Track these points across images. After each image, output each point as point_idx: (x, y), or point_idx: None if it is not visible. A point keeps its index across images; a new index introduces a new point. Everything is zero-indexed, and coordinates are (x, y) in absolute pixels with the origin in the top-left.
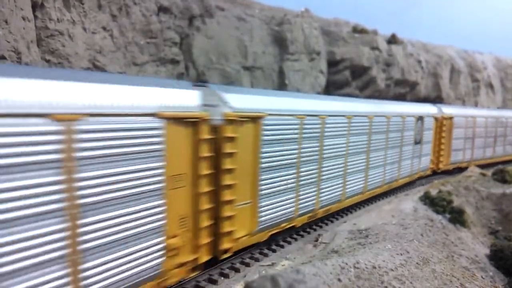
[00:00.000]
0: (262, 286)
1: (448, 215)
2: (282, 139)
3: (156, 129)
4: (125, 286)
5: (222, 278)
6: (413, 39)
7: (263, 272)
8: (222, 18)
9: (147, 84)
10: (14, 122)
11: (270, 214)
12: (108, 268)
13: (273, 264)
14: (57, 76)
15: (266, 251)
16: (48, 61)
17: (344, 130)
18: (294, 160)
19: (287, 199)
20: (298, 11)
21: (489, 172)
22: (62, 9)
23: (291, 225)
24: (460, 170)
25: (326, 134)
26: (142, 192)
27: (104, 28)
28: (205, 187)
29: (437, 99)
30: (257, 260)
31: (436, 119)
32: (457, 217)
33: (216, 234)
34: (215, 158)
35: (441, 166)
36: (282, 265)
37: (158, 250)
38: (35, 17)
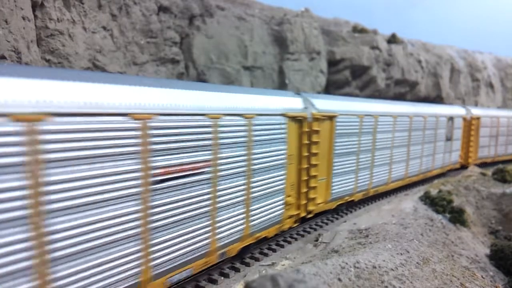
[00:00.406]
0: (262, 286)
1: (448, 215)
2: (348, 133)
3: (284, 124)
4: (268, 224)
5: (222, 277)
6: (413, 38)
7: (263, 271)
8: (222, 17)
9: (275, 94)
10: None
11: (339, 189)
12: (263, 211)
13: (273, 264)
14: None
15: (266, 250)
16: (48, 60)
17: (391, 127)
18: (355, 150)
19: (350, 179)
20: (298, 10)
21: (489, 171)
22: (62, 9)
23: (351, 199)
24: (485, 164)
25: (378, 130)
26: (276, 165)
27: (104, 28)
28: (304, 165)
29: (437, 99)
30: (257, 259)
31: (464, 119)
32: (457, 217)
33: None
34: (308, 145)
35: (470, 161)
36: (282, 265)
37: (281, 204)
38: (35, 16)
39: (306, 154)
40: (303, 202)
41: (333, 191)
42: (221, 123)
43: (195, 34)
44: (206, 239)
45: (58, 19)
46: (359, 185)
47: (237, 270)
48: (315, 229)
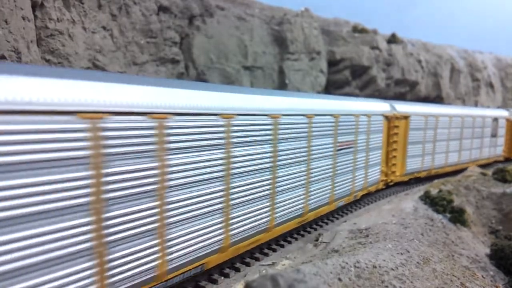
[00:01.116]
0: (262, 286)
1: (448, 215)
2: (417, 128)
3: (381, 121)
4: (373, 183)
5: (223, 277)
6: (413, 38)
7: (264, 271)
8: (222, 17)
9: (376, 101)
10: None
11: (410, 167)
12: (373, 174)
13: (273, 264)
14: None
15: (266, 250)
16: (48, 60)
17: (447, 125)
18: (421, 140)
19: (418, 160)
20: (298, 10)
21: (489, 171)
22: (62, 9)
23: (418, 176)
24: None
25: (438, 126)
26: (378, 146)
27: (104, 28)
28: (390, 148)
29: (437, 99)
30: (257, 259)
31: (507, 120)
32: (458, 217)
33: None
34: (392, 135)
35: None
36: (283, 265)
37: (379, 171)
38: (35, 16)
39: (391, 141)
40: (390, 171)
41: (407, 168)
42: (350, 120)
43: (195, 34)
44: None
45: (58, 19)
46: (424, 166)
47: (237, 270)
48: (315, 229)
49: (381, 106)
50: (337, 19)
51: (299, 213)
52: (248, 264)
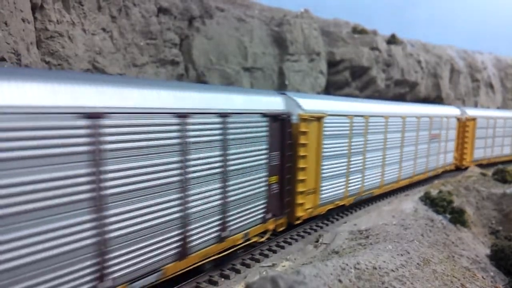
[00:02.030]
0: (263, 287)
1: (448, 215)
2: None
3: (455, 121)
4: (448, 164)
5: (223, 279)
6: (412, 39)
7: (264, 273)
8: (221, 19)
9: (449, 107)
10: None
11: (477, 156)
12: (448, 159)
13: (273, 265)
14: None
15: (266, 252)
16: (47, 62)
17: (485, 126)
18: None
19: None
20: (297, 11)
21: (489, 171)
22: (61, 11)
23: (482, 162)
24: None
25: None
26: (451, 139)
27: (103, 30)
28: (460, 141)
29: (437, 99)
30: (257, 261)
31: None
32: (458, 217)
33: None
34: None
35: None
36: (283, 266)
37: (453, 156)
38: (35, 18)
39: (462, 136)
40: (461, 158)
41: (475, 157)
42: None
43: (195, 35)
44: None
45: (57, 21)
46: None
47: (237, 271)
48: (315, 230)
49: (454, 111)
50: (337, 20)
51: (409, 176)
52: (248, 266)
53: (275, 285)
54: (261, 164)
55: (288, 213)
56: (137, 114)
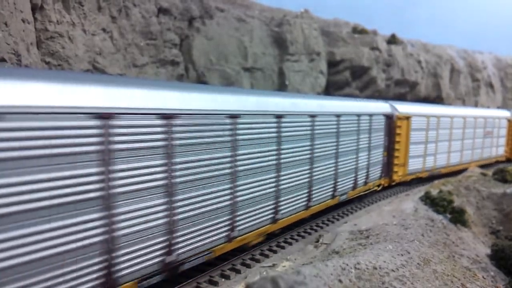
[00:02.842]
0: None
1: (448, 215)
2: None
3: (505, 122)
4: (500, 156)
5: (223, 279)
6: (413, 39)
7: (264, 273)
8: (222, 19)
9: (501, 110)
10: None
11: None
12: (500, 151)
13: (274, 265)
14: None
15: (267, 252)
16: (48, 63)
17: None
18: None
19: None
20: (297, 11)
21: (490, 171)
22: (61, 11)
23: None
24: None
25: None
26: (502, 135)
27: (104, 30)
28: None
29: (437, 99)
30: (257, 261)
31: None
32: (458, 217)
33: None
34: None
35: None
36: (283, 266)
37: (504, 150)
38: (35, 19)
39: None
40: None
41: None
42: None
43: (195, 35)
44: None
45: (57, 21)
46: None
47: (237, 271)
48: (315, 230)
49: (505, 113)
50: (337, 20)
51: (467, 161)
52: (248, 266)
53: (275, 285)
54: (380, 144)
55: (390, 176)
56: (201, 115)
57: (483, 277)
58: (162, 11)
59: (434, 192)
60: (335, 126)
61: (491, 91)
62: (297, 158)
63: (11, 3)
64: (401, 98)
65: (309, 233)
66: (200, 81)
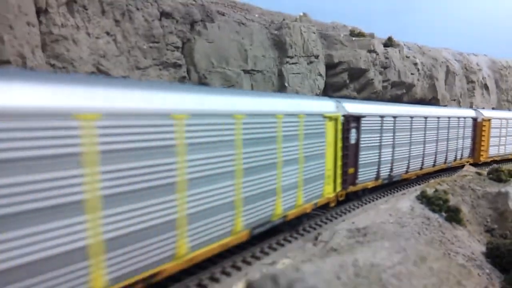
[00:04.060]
0: (263, 285)
1: (444, 214)
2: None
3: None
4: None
5: (224, 276)
6: (409, 42)
7: (264, 270)
8: (222, 22)
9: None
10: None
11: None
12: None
13: (273, 263)
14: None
15: (266, 249)
16: (53, 65)
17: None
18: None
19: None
20: (296, 15)
21: (485, 171)
22: (66, 15)
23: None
24: None
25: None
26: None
27: (107, 33)
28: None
29: (432, 100)
30: (258, 258)
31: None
32: (453, 216)
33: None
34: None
35: None
36: (283, 263)
37: None
38: (40, 22)
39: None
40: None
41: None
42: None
43: (197, 38)
44: None
45: (62, 24)
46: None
47: (238, 268)
48: (314, 228)
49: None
50: (335, 23)
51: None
52: (249, 263)
53: (275, 282)
54: (469, 136)
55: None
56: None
57: (478, 274)
58: (164, 14)
59: (430, 191)
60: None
61: (486, 92)
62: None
63: (16, 7)
64: (397, 99)
65: (308, 231)
66: (202, 83)
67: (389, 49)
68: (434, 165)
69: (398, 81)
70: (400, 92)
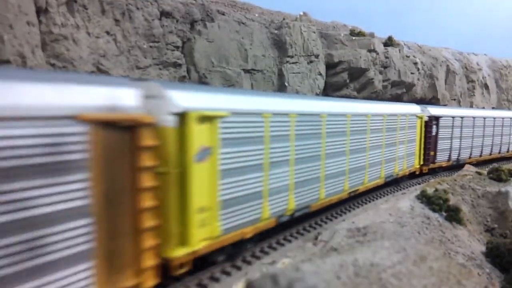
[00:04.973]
0: (263, 284)
1: (444, 213)
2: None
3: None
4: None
5: (224, 276)
6: (409, 41)
7: (264, 270)
8: (222, 22)
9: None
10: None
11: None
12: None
13: (273, 262)
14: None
15: (266, 249)
16: (53, 65)
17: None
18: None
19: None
20: (296, 14)
21: (485, 170)
22: (66, 14)
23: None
24: None
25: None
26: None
27: (107, 33)
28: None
29: (433, 100)
30: (258, 258)
31: None
32: (453, 215)
33: None
34: None
35: None
36: (283, 263)
37: None
38: (40, 22)
39: None
40: None
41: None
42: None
43: (197, 38)
44: None
45: (62, 24)
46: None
47: (238, 268)
48: (314, 228)
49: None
50: (335, 22)
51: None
52: (249, 263)
53: (275, 281)
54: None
55: None
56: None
57: (478, 274)
58: (164, 14)
59: (430, 191)
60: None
61: (486, 92)
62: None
63: (16, 6)
64: (398, 99)
65: (308, 231)
66: (202, 82)
67: (389, 48)
68: (490, 154)
69: (398, 81)
70: (400, 92)
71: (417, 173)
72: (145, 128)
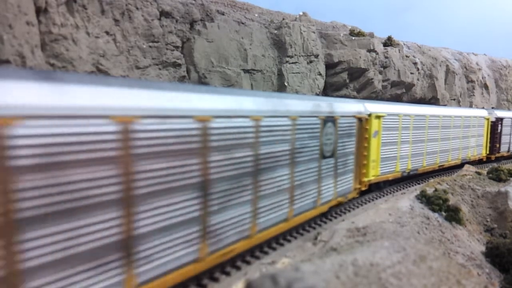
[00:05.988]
0: (262, 284)
1: (444, 213)
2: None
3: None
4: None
5: (224, 276)
6: (409, 41)
7: (264, 270)
8: (222, 22)
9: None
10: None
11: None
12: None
13: (273, 262)
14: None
15: (266, 249)
16: (52, 65)
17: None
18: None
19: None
20: (296, 14)
21: (484, 170)
22: (65, 14)
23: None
24: None
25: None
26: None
27: (107, 33)
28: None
29: (432, 100)
30: (257, 258)
31: None
32: (453, 215)
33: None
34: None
35: None
36: (282, 263)
37: None
38: (39, 22)
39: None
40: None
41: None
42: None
43: (196, 38)
44: None
45: (61, 24)
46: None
47: (238, 268)
48: (314, 228)
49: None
50: (335, 22)
51: None
52: (248, 263)
53: (274, 281)
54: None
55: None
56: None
57: (478, 274)
58: (164, 14)
59: (430, 191)
60: None
61: (486, 92)
62: None
63: (15, 6)
64: (397, 99)
65: (308, 231)
66: (202, 82)
67: (388, 48)
68: None
69: (398, 81)
70: (400, 92)
71: (484, 160)
72: (364, 120)
